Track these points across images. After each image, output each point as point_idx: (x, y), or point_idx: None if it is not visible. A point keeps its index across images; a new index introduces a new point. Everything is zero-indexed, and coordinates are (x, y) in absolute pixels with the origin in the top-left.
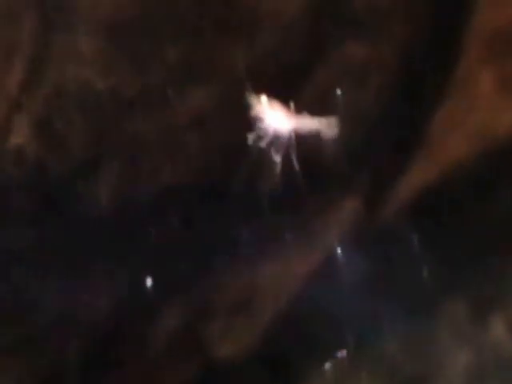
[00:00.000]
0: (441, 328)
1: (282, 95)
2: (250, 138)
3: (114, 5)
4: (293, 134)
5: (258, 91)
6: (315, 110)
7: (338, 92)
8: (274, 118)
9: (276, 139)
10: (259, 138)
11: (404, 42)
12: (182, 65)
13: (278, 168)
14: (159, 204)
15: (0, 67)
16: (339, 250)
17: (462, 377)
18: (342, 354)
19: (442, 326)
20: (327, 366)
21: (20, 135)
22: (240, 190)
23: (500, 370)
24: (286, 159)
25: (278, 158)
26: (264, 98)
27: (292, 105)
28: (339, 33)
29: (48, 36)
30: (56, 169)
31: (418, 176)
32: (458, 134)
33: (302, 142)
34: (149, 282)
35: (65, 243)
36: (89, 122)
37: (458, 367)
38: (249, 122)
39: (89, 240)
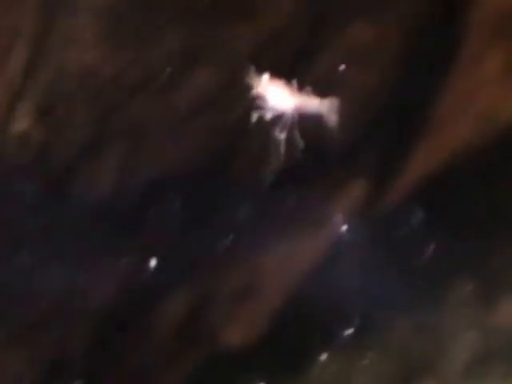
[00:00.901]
0: (449, 309)
1: (285, 75)
2: (253, 117)
3: None
4: (295, 113)
5: (261, 71)
6: (319, 90)
7: (343, 73)
8: (277, 96)
9: (279, 118)
10: (262, 117)
11: (411, 22)
12: (183, 47)
13: (282, 148)
14: (161, 188)
15: (2, 53)
16: (346, 232)
17: (469, 359)
18: (349, 335)
19: (450, 307)
20: (335, 348)
21: (23, 121)
22: (244, 171)
23: (508, 354)
24: (290, 139)
25: (281, 138)
26: (266, 76)
27: (295, 84)
28: (346, 13)
29: (50, 21)
30: (59, 153)
31: (422, 158)
32: (464, 115)
33: (305, 121)
34: (151, 267)
35: (67, 228)
36: (91, 107)
37: (465, 349)
38: (252, 102)
39: (91, 224)
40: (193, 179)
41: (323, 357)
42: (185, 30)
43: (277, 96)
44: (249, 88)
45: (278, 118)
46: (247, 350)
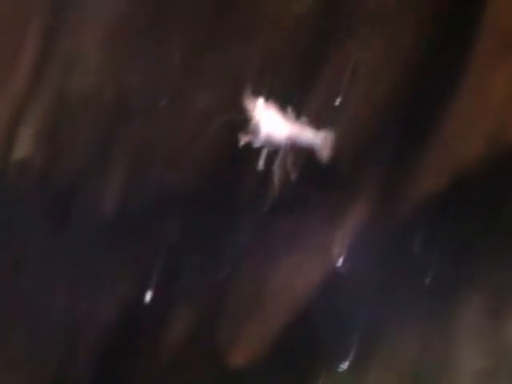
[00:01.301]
0: (456, 328)
1: (284, 99)
2: (249, 142)
3: (120, 10)
4: (289, 143)
5: (260, 95)
6: (317, 116)
7: (345, 93)
8: (273, 123)
9: (275, 145)
10: (259, 143)
11: (414, 42)
12: (185, 71)
13: (277, 176)
14: (164, 210)
15: (4, 75)
16: (346, 257)
17: (477, 375)
18: (354, 355)
19: (457, 325)
20: (339, 369)
21: (24, 146)
22: (243, 197)
23: None
24: (285, 167)
25: (276, 165)
26: (261, 101)
27: (291, 110)
28: (348, 33)
29: (52, 44)
30: (60, 178)
31: (426, 179)
32: (470, 135)
33: (299, 152)
34: (157, 289)
35: (70, 252)
36: (94, 131)
37: (472, 368)
38: (249, 127)
39: (94, 247)
40: (193, 204)
41: (326, 378)
42: (186, 53)
43: (272, 123)
44: (247, 113)
45: (273, 145)
46: (250, 371)
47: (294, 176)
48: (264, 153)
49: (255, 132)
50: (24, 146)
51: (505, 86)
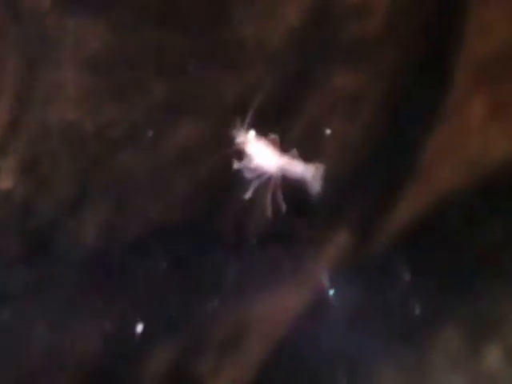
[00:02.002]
0: (436, 357)
1: (269, 130)
2: (238, 173)
3: (99, 42)
4: (279, 174)
5: (246, 124)
6: (304, 145)
7: (327, 129)
8: (261, 154)
9: (262, 176)
10: (246, 174)
11: (393, 71)
12: (168, 101)
13: (266, 207)
14: (146, 243)
15: None
16: (330, 286)
17: None
18: None
19: (438, 354)
20: None
21: (7, 179)
22: (229, 229)
23: None
24: (274, 199)
25: (266, 197)
26: (252, 133)
27: (279, 141)
28: (327, 63)
29: (32, 75)
30: (42, 209)
31: (408, 207)
32: (448, 163)
33: (289, 183)
34: (137, 322)
35: (52, 285)
36: (75, 163)
37: None
38: (236, 157)
39: (76, 280)
40: (178, 238)
41: None
42: (170, 83)
43: (261, 153)
44: (233, 142)
45: (262, 176)
46: None
47: (284, 208)
48: (254, 185)
49: (246, 164)
50: (6, 178)
51: (482, 110)
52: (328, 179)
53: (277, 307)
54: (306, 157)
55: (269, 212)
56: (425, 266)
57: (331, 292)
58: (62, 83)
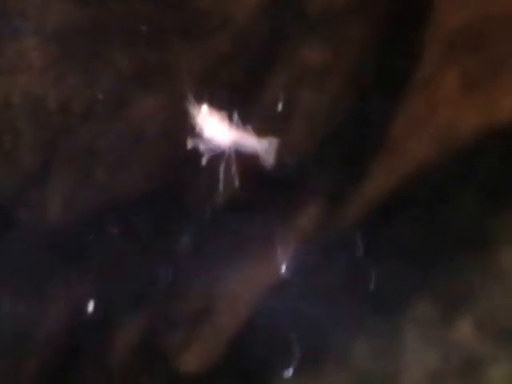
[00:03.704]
0: (408, 329)
1: (229, 103)
2: (193, 148)
3: (63, 12)
4: (232, 148)
5: (203, 100)
6: (270, 119)
7: (292, 97)
8: (216, 129)
9: (219, 151)
10: (202, 149)
11: (362, 43)
12: (132, 73)
13: (222, 180)
14: (110, 216)
15: None
16: (297, 257)
17: (429, 377)
18: (307, 359)
19: (409, 326)
20: (292, 370)
21: None
22: (193, 200)
23: (466, 371)
24: (229, 172)
25: (220, 171)
26: (205, 107)
27: (236, 117)
28: (294, 36)
29: None
30: (4, 183)
31: (377, 181)
32: (420, 134)
33: (242, 158)
34: (103, 295)
35: (13, 257)
36: (38, 134)
37: (424, 367)
38: (192, 132)
39: (38, 258)
40: (139, 209)
41: (281, 381)
42: (135, 54)
43: (216, 129)
44: (191, 118)
45: (217, 151)
46: (204, 375)
47: (237, 181)
48: (208, 158)
49: (199, 137)
50: None
51: (454, 82)
52: (293, 153)
53: (241, 283)
54: (269, 130)
55: (221, 185)
56: (398, 237)
57: (292, 267)
58: (26, 55)
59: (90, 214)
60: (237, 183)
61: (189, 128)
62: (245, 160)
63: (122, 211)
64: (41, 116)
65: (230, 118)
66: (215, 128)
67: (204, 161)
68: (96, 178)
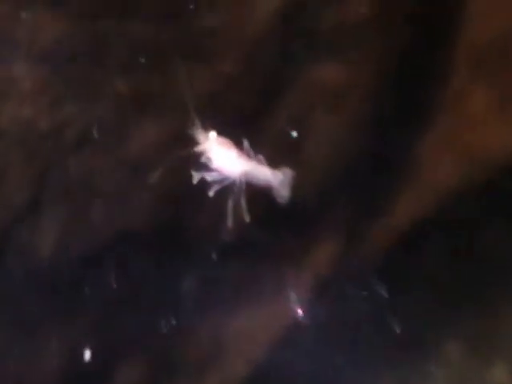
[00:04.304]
0: (437, 370)
1: (239, 131)
2: (199, 179)
3: (56, 35)
4: (243, 179)
5: (211, 125)
6: (280, 147)
7: (307, 119)
8: (224, 157)
9: (224, 181)
10: (209, 180)
11: (380, 61)
12: (129, 97)
13: (230, 216)
14: (106, 256)
15: None
16: (316, 295)
17: None
18: None
19: (438, 368)
20: None
21: None
22: (190, 240)
23: None
24: (238, 207)
25: (229, 205)
26: (213, 134)
27: (247, 144)
28: (307, 56)
29: None
30: None
31: (404, 207)
32: (448, 158)
33: (254, 191)
34: (101, 339)
35: (4, 302)
36: (28, 166)
37: None
38: (198, 161)
39: (31, 297)
40: (137, 249)
41: None
42: (133, 79)
43: (223, 156)
44: (196, 145)
45: (224, 181)
46: None
47: (247, 217)
48: (216, 191)
49: (206, 168)
50: None
51: (482, 101)
52: (306, 183)
53: (250, 329)
54: (280, 161)
55: (230, 221)
56: (419, 275)
57: (307, 312)
58: (16, 78)
59: (85, 254)
60: (247, 218)
61: (194, 158)
62: (256, 193)
63: (121, 251)
64: (31, 145)
65: (240, 146)
66: (223, 157)
67: (211, 194)
68: (91, 215)
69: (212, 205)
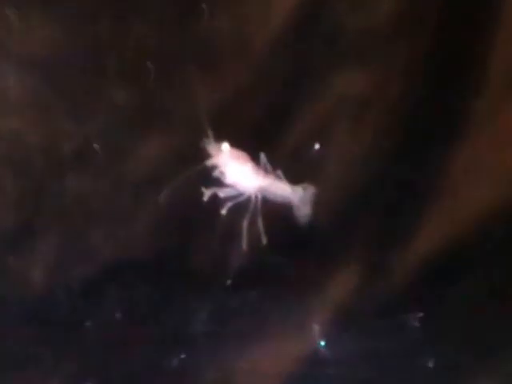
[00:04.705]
0: None
1: (256, 144)
2: (213, 197)
3: (49, 39)
4: (259, 196)
5: (223, 139)
6: (298, 163)
7: (328, 133)
8: (238, 171)
9: (238, 198)
10: (223, 196)
11: (408, 71)
12: (129, 109)
13: (244, 239)
14: (105, 286)
15: None
16: (333, 335)
17: None
18: None
19: None
20: None
21: None
22: (200, 267)
23: None
24: (253, 222)
25: (243, 226)
26: (226, 145)
27: (263, 157)
28: (327, 62)
29: None
30: None
31: (433, 234)
32: (482, 180)
33: (271, 209)
34: (100, 377)
35: None
36: (19, 183)
37: None
38: (209, 178)
39: (23, 328)
40: (140, 278)
41: None
42: (132, 86)
43: (237, 170)
44: (207, 158)
45: (238, 198)
46: None
47: (264, 239)
48: (230, 209)
49: (219, 184)
50: None
51: None
52: (327, 203)
53: (266, 365)
54: (300, 177)
55: (244, 244)
56: (446, 310)
57: (323, 344)
58: (4, 88)
59: (83, 283)
60: (264, 240)
61: (205, 173)
62: (274, 211)
63: (124, 280)
64: (21, 162)
65: (256, 160)
66: (238, 172)
67: (224, 212)
68: (90, 240)
69: (225, 225)
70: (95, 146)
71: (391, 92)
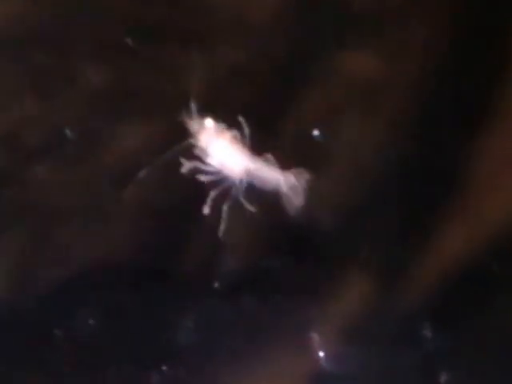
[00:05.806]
0: None
1: (248, 127)
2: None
3: (14, 14)
4: (245, 180)
5: (208, 114)
6: (295, 148)
7: (333, 122)
8: (222, 151)
9: (222, 182)
10: (201, 177)
11: (425, 53)
12: (105, 92)
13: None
14: (71, 293)
15: None
16: (339, 350)
17: None
18: None
19: None
20: None
21: None
22: (194, 264)
23: None
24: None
25: (225, 209)
26: (209, 121)
27: (247, 131)
28: (334, 42)
29: None
30: None
31: (454, 242)
32: (504, 187)
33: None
34: None
35: None
36: None
37: None
38: (195, 165)
39: None
40: (116, 286)
41: None
42: (107, 66)
43: (221, 150)
44: (193, 144)
45: (222, 182)
46: None
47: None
48: (212, 195)
49: (201, 161)
50: None
51: None
52: (329, 198)
53: (268, 376)
54: (299, 167)
55: (221, 231)
56: (463, 324)
57: (335, 360)
58: None
59: (49, 288)
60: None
61: (186, 154)
62: (262, 200)
63: (99, 285)
64: None
65: (244, 141)
66: (223, 151)
67: (208, 202)
68: (58, 241)
69: (213, 218)
70: (63, 134)
71: (405, 74)
